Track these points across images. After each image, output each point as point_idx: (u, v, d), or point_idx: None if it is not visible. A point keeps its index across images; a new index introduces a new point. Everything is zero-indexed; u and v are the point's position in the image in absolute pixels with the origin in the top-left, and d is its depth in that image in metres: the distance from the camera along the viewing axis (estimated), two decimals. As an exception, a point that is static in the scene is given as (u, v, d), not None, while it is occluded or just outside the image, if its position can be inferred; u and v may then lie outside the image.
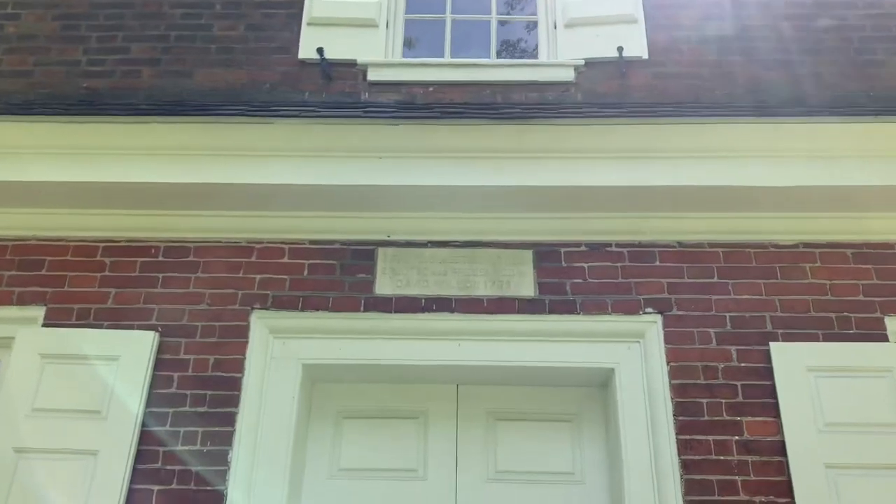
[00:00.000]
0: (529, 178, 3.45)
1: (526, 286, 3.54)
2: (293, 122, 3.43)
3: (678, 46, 4.11)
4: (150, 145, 3.50)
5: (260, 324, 3.47)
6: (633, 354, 3.41)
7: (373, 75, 4.02)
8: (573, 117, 3.43)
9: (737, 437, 3.19)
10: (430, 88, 4.00)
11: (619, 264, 3.59)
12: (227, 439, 3.22)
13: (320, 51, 4.05)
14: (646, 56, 4.06)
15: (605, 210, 3.60)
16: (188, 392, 3.33)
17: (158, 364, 3.37)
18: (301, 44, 4.12)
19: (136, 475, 3.15)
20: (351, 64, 4.08)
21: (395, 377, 3.51)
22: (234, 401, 3.29)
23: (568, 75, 4.01)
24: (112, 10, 4.33)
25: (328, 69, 4.03)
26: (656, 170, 3.47)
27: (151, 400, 3.30)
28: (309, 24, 4.18)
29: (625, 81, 4.02)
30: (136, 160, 3.50)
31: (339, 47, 4.10)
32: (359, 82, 4.05)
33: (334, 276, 3.58)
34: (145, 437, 3.23)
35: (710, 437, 3.20)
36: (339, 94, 3.96)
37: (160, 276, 3.60)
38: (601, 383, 3.54)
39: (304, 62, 4.10)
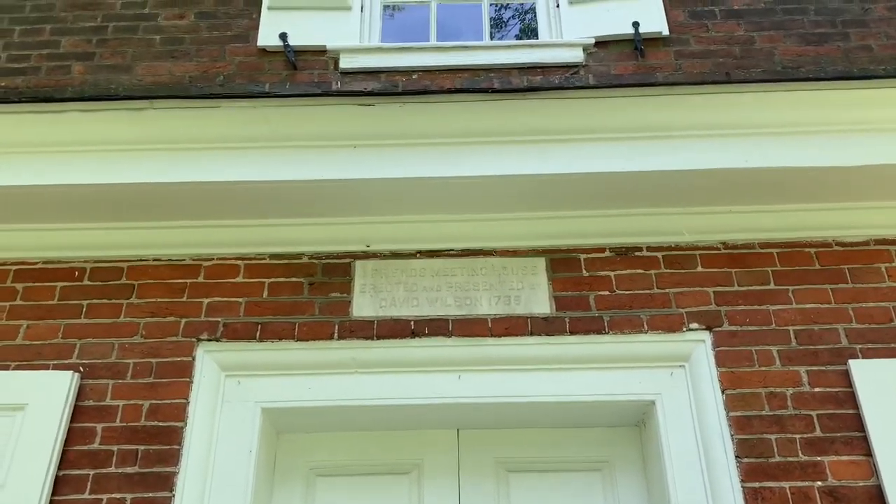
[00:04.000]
0: (539, 165, 2.85)
1: (539, 302, 2.95)
2: (245, 103, 2.78)
3: (702, 21, 3.53)
4: (69, 140, 2.85)
5: (208, 359, 2.86)
6: (677, 382, 2.82)
7: (346, 62, 3.39)
8: (590, 89, 2.83)
9: (819, 483, 2.59)
10: (415, 76, 3.38)
11: (652, 272, 3.01)
12: (165, 509, 2.59)
13: (283, 36, 3.43)
14: (666, 32, 3.45)
15: (631, 205, 3.04)
16: (115, 448, 2.69)
17: (77, 413, 2.74)
18: (261, 30, 3.50)
19: (41, 561, 2.49)
20: (320, 51, 3.45)
21: (381, 422, 2.92)
22: (174, 458, 2.67)
23: (576, 56, 3.40)
24: (40, 2, 3.70)
25: (293, 57, 3.39)
26: (692, 151, 2.88)
27: (66, 460, 2.66)
28: (270, 8, 3.56)
29: (643, 62, 3.41)
30: (50, 159, 2.85)
31: (306, 33, 3.48)
32: (329, 71, 3.43)
33: (301, 297, 2.98)
34: (56, 509, 2.57)
35: (786, 484, 2.59)
36: (305, 84, 3.32)
37: (84, 303, 2.98)
38: (638, 420, 2.93)
39: (264, 50, 3.46)
